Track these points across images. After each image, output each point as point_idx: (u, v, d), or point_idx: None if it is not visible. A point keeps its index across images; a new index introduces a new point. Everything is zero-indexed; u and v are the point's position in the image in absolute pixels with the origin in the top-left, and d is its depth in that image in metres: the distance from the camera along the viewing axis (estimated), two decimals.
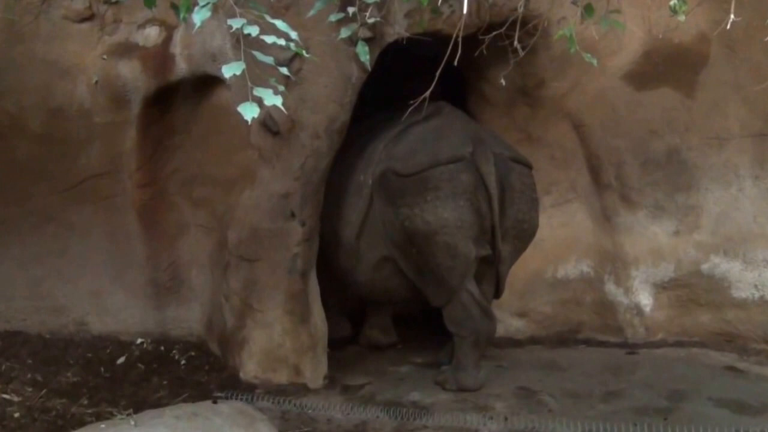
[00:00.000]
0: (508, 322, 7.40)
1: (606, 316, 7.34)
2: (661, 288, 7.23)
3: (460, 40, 4.63)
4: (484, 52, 5.34)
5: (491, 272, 6.23)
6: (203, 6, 3.74)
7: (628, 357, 6.89)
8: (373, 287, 6.52)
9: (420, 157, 6.05)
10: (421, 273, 6.16)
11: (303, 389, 6.15)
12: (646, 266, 7.24)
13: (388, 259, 6.30)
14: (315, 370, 6.28)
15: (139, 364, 6.47)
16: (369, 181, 6.30)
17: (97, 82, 6.48)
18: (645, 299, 7.23)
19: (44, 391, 5.83)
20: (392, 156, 6.23)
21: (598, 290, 7.38)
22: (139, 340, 6.76)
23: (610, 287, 7.34)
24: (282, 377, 6.21)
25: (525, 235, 6.27)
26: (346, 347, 7.25)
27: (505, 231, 6.05)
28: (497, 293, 6.39)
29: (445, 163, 5.96)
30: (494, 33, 5.21)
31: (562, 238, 7.43)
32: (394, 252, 6.24)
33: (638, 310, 7.24)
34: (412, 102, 5.13)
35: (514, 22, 4.98)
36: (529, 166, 6.38)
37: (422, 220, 5.91)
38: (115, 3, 6.46)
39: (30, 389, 5.83)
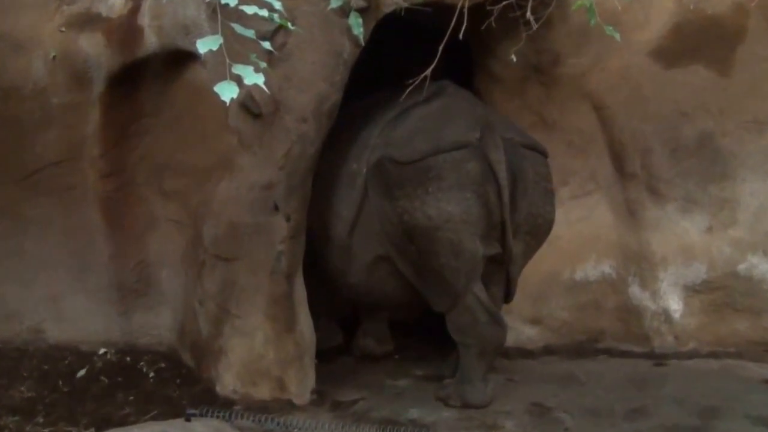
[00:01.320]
0: (520, 330, 7.40)
1: (630, 322, 7.37)
2: (692, 291, 7.25)
3: (465, 10, 4.64)
4: (493, 24, 5.35)
5: (500, 273, 6.24)
6: None
7: (655, 369, 6.92)
8: (368, 290, 6.53)
9: (421, 142, 6.05)
10: (422, 274, 6.18)
11: (288, 405, 6.15)
12: (675, 267, 7.27)
13: (383, 259, 6.31)
14: (301, 384, 6.28)
15: (102, 377, 6.46)
16: (363, 170, 6.30)
17: (54, 57, 6.46)
18: (674, 304, 7.26)
19: None
20: (389, 141, 6.23)
21: (621, 294, 7.40)
22: (101, 350, 6.75)
23: (635, 290, 7.37)
24: (264, 392, 6.21)
25: (539, 231, 6.28)
26: (337, 358, 7.26)
27: (516, 227, 6.06)
28: (507, 297, 6.41)
29: (449, 149, 5.96)
30: (504, 2, 5.22)
31: (580, 234, 7.44)
32: (390, 250, 6.25)
33: (666, 316, 7.27)
34: (411, 81, 5.13)
35: None
36: (544, 154, 6.39)
37: (423, 214, 5.91)
38: None
39: None
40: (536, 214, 6.17)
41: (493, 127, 6.10)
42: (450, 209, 5.86)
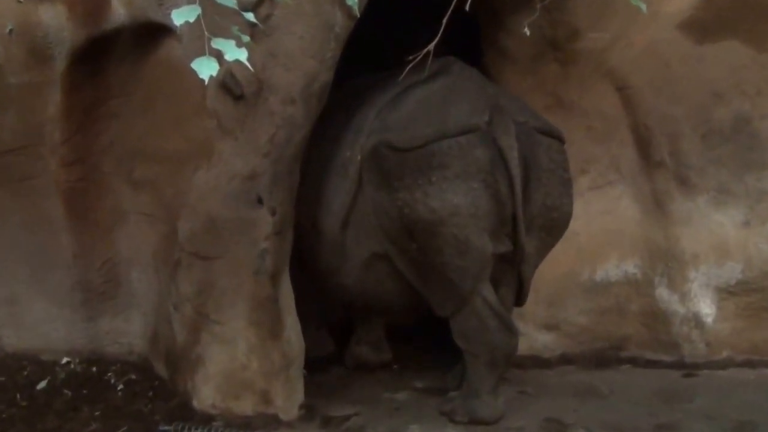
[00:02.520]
0: (534, 337, 7.43)
1: (657, 328, 7.40)
2: (726, 293, 7.27)
3: None
4: None
5: (512, 273, 6.25)
6: None
7: (685, 380, 6.95)
8: (363, 292, 6.54)
9: (423, 126, 6.05)
10: (424, 274, 6.18)
11: (273, 421, 6.17)
12: (707, 266, 7.29)
13: (380, 257, 6.31)
14: (288, 398, 6.30)
15: (66, 390, 6.48)
16: (357, 158, 6.30)
17: (11, 31, 6.45)
18: (706, 307, 7.27)
19: None
20: (387, 125, 6.23)
21: (646, 296, 7.43)
22: (65, 360, 6.76)
23: (663, 292, 7.39)
24: (246, 406, 6.23)
25: (555, 226, 6.28)
26: (328, 368, 7.29)
27: (530, 221, 6.05)
28: (519, 300, 6.41)
29: (455, 134, 5.95)
30: None
31: (601, 230, 7.46)
32: (388, 247, 6.25)
33: (697, 321, 7.28)
34: (412, 58, 5.12)
35: None
36: (561, 139, 6.39)
37: (425, 207, 5.91)
38: None
39: None
40: (552, 207, 6.16)
41: (503, 109, 6.10)
42: (455, 201, 5.86)
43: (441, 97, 6.20)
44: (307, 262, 6.64)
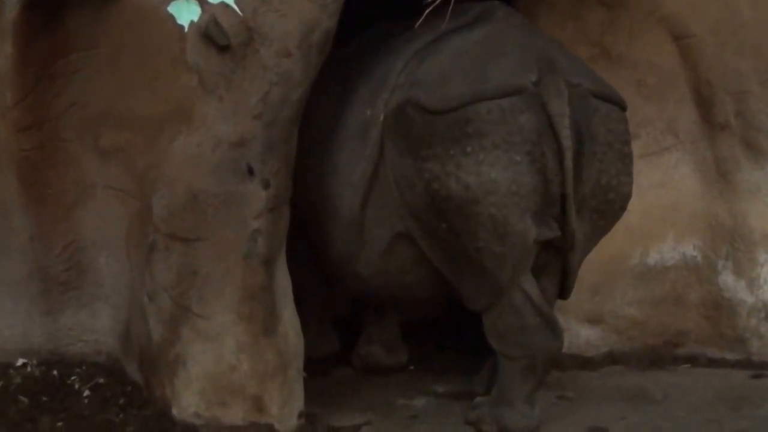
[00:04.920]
0: (575, 331, 7.43)
1: (720, 321, 7.41)
2: None
3: None
4: None
5: (556, 262, 6.25)
6: None
7: (753, 382, 6.98)
8: (384, 284, 6.53)
9: (458, 85, 5.99)
10: (454, 260, 6.18)
11: None
12: None
13: (404, 238, 6.30)
14: (285, 404, 6.29)
15: (21, 397, 6.48)
16: (380, 117, 6.25)
17: None
18: None
19: None
20: (416, 81, 6.17)
21: (708, 283, 7.45)
22: (20, 361, 6.77)
23: (727, 279, 7.40)
24: (236, 415, 6.23)
25: (610, 209, 6.26)
26: (333, 370, 7.33)
27: (581, 202, 6.03)
28: (564, 292, 6.44)
29: (496, 96, 5.90)
30: None
31: (655, 204, 7.46)
32: (412, 227, 6.23)
33: None
34: (431, 1, 5.09)
35: None
36: (621, 105, 6.32)
37: (458, 183, 5.87)
38: None
39: None
40: (607, 187, 6.13)
41: (555, 66, 6.04)
42: (494, 176, 5.81)
43: (481, 49, 6.14)
44: (316, 246, 6.66)
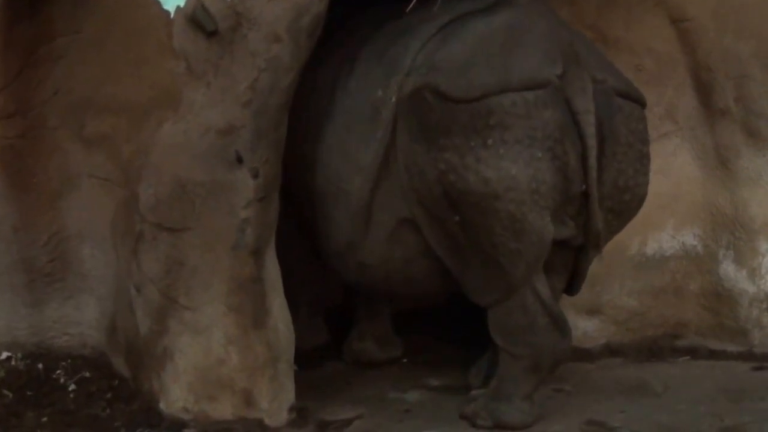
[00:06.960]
0: (573, 323, 7.22)
1: (721, 312, 7.41)
2: None
3: None
4: None
5: (566, 260, 6.26)
6: None
7: (755, 374, 6.97)
8: (387, 276, 6.51)
9: (481, 73, 5.91)
10: (463, 253, 6.14)
11: (257, 427, 6.19)
12: None
13: (408, 225, 6.27)
14: (276, 399, 6.30)
15: (5, 391, 6.49)
16: (392, 99, 6.18)
17: None
18: None
19: None
20: (435, 65, 6.08)
21: (709, 273, 7.44)
22: (4, 354, 6.76)
23: (728, 268, 7.40)
24: (225, 409, 6.24)
25: (626, 209, 6.24)
26: (324, 363, 7.32)
27: (598, 202, 5.97)
28: (572, 289, 6.46)
29: (521, 88, 5.83)
30: None
31: (654, 192, 7.27)
32: (418, 213, 6.20)
33: None
34: None
35: None
36: (642, 103, 6.30)
37: (477, 177, 5.80)
38: None
39: None
40: (624, 188, 6.09)
41: (581, 61, 5.99)
42: (515, 172, 5.75)
43: (504, 36, 6.05)
44: (316, 235, 6.65)
